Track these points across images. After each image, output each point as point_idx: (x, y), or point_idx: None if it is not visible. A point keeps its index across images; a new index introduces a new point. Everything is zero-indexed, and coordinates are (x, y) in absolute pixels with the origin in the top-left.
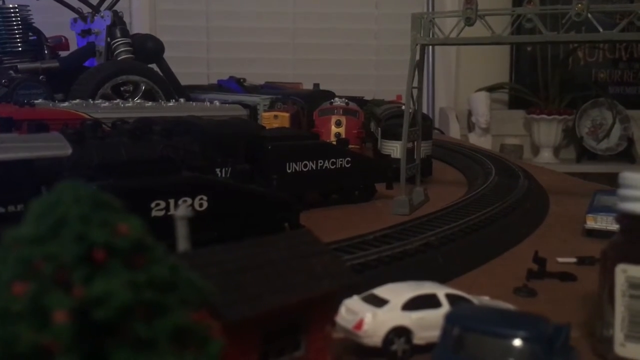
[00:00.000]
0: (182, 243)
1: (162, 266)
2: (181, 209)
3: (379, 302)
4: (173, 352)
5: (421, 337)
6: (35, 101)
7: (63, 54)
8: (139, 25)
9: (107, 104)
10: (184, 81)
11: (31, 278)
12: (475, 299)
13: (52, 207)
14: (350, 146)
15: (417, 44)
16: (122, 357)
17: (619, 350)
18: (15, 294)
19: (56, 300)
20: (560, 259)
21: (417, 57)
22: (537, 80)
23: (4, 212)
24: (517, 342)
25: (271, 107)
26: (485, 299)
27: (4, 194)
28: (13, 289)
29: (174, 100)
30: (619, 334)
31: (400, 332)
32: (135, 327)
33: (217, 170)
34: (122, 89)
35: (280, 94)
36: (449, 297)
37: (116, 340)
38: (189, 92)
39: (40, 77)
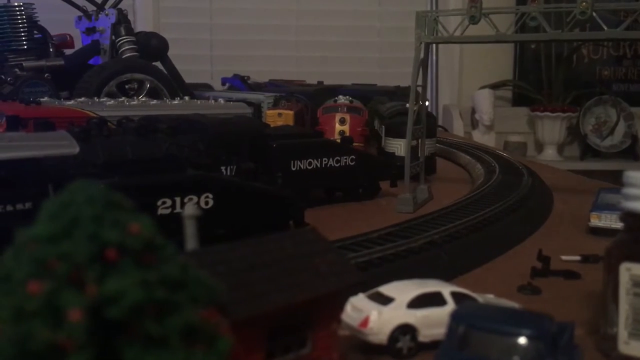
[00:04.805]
0: (190, 242)
1: (172, 265)
2: (189, 208)
3: (385, 300)
4: (183, 350)
5: (426, 334)
6: (41, 99)
7: (68, 52)
8: (142, 22)
9: (112, 102)
10: (187, 79)
11: (45, 277)
12: (479, 297)
13: (65, 207)
14: (354, 144)
15: (421, 42)
16: (134, 354)
17: (622, 348)
18: (30, 292)
19: (70, 299)
20: (564, 257)
21: (422, 56)
22: (541, 77)
23: (12, 210)
24: (521, 340)
25: (275, 105)
26: (490, 297)
27: (11, 192)
28: (28, 288)
29: (178, 98)
30: (622, 332)
31: (406, 330)
32: (146, 324)
33: (222, 168)
34: (126, 86)
35: (284, 91)
36: (453, 295)
37: (127, 338)
38: (194, 90)
39: (46, 75)
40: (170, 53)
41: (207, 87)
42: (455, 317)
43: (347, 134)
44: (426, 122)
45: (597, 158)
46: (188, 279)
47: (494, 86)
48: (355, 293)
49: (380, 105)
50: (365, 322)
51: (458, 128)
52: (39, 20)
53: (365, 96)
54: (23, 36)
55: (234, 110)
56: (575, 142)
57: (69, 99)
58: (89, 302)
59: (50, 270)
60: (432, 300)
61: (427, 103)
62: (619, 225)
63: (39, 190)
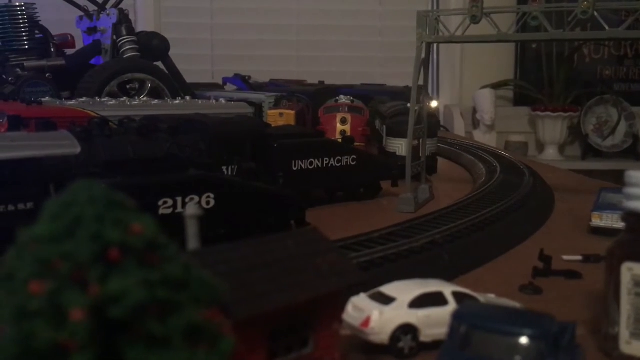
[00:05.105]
0: (192, 242)
1: (175, 265)
2: (190, 208)
3: (386, 300)
4: (186, 350)
5: (428, 334)
6: (43, 99)
7: (69, 51)
8: (143, 22)
9: (113, 101)
10: (188, 79)
11: (48, 277)
12: (481, 297)
13: (67, 206)
14: (355, 144)
15: (422, 42)
16: (136, 354)
17: (624, 348)
18: (33, 292)
19: (73, 299)
20: (565, 257)
21: (423, 55)
22: (542, 77)
23: (13, 210)
24: (523, 340)
25: (276, 105)
26: (492, 297)
27: (13, 192)
28: (30, 288)
29: (179, 98)
30: (624, 332)
31: (407, 330)
32: (149, 324)
33: (224, 168)
34: (128, 86)
35: (285, 91)
36: (455, 295)
37: (130, 338)
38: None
39: (47, 75)
40: (171, 53)
41: (218, 87)
42: (456, 317)
43: (349, 133)
44: (429, 122)
45: (599, 158)
46: (190, 279)
47: (495, 86)
48: (356, 293)
49: (382, 105)
50: (366, 322)
51: (459, 128)
52: (40, 20)
53: (375, 96)
54: (24, 36)
55: (235, 110)
56: (576, 142)
57: (70, 98)
58: (91, 302)
59: (53, 270)
60: (433, 300)
61: (435, 103)
62: (620, 225)
63: (40, 190)
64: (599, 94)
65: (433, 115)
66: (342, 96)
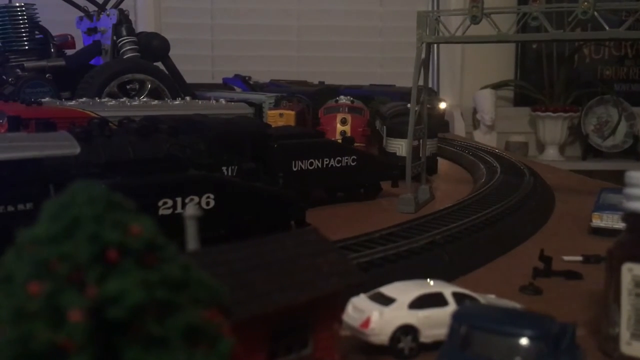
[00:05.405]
0: (192, 242)
1: (173, 265)
2: (190, 209)
3: (386, 301)
4: (185, 350)
5: (428, 335)
6: (42, 100)
7: (69, 52)
8: (143, 23)
9: (113, 102)
10: (188, 79)
11: (46, 278)
12: (481, 298)
13: (66, 207)
14: (355, 144)
15: (422, 42)
16: (135, 355)
17: (625, 348)
18: (31, 293)
19: (71, 300)
20: (566, 258)
21: (423, 56)
22: (543, 77)
23: (13, 210)
24: (523, 341)
25: (277, 105)
26: (492, 298)
27: (13, 193)
28: (29, 289)
29: (179, 99)
30: (625, 333)
31: (407, 331)
32: (147, 325)
33: (224, 168)
34: (128, 87)
35: (285, 91)
36: (455, 295)
37: (129, 339)
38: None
39: (47, 75)
40: (171, 53)
41: (222, 87)
42: (456, 317)
43: (349, 134)
44: (436, 122)
45: (599, 158)
46: (190, 280)
47: (496, 86)
48: (356, 293)
49: (382, 106)
50: (366, 322)
51: (459, 128)
52: (40, 21)
53: (377, 97)
54: (24, 37)
55: (235, 111)
56: (576, 142)
57: (70, 99)
58: (89, 303)
59: (51, 271)
60: (433, 300)
61: (444, 105)
62: (620, 225)
63: (40, 190)
64: (600, 94)
65: (441, 116)
66: (342, 96)
